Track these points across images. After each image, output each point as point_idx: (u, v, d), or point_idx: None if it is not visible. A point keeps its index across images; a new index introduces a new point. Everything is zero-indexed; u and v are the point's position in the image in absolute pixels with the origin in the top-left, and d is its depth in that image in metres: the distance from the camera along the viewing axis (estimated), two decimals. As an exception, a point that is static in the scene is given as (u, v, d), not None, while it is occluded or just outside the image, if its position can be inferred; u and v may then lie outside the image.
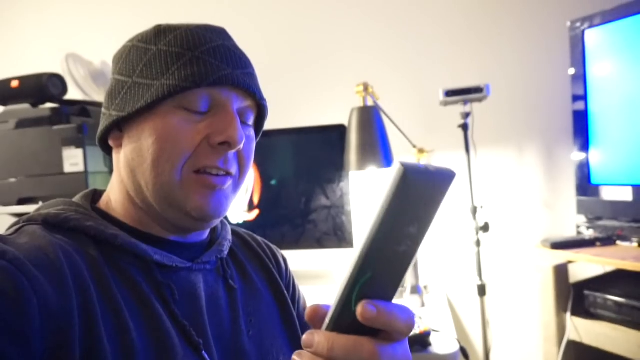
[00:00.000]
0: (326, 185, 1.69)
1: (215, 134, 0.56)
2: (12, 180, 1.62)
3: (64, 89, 1.65)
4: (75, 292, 0.47)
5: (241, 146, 0.57)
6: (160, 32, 0.59)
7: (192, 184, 0.56)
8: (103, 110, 0.61)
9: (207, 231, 0.65)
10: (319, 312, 0.40)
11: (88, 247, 0.53)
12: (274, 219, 1.73)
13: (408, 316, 0.38)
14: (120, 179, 0.60)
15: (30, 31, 2.16)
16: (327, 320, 0.39)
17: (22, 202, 1.60)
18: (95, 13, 2.05)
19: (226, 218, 0.72)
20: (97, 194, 0.64)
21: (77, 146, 1.54)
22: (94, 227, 0.54)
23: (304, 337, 0.39)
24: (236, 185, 0.61)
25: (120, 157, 0.60)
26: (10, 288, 0.43)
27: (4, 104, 1.64)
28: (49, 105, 1.65)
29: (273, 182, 1.74)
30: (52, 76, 1.62)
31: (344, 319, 0.38)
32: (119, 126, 0.59)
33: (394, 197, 0.33)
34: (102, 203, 0.62)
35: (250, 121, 0.63)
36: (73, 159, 1.55)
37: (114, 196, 0.61)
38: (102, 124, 0.60)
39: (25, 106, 1.63)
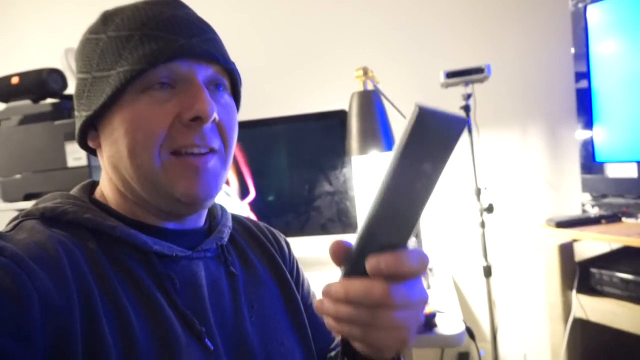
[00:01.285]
0: (329, 171, 1.69)
1: (184, 111, 0.53)
2: (18, 176, 1.64)
3: (64, 83, 1.65)
4: (76, 287, 0.47)
5: (215, 117, 0.54)
6: (107, 18, 0.56)
7: (174, 168, 0.53)
8: (75, 112, 0.59)
9: (205, 217, 0.64)
10: (340, 247, 0.43)
11: (87, 240, 0.52)
12: (278, 206, 1.74)
13: (419, 258, 0.41)
14: (108, 177, 0.59)
15: (29, 27, 2.15)
16: (343, 268, 0.43)
17: (28, 197, 1.61)
18: (94, 7, 2.04)
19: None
20: (95, 185, 0.63)
21: (80, 140, 1.54)
22: (92, 219, 0.53)
23: (324, 287, 0.43)
24: (223, 161, 0.58)
25: (103, 156, 0.58)
26: (10, 284, 0.42)
27: (5, 100, 1.65)
28: (49, 100, 1.65)
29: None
30: (52, 71, 1.62)
31: (359, 265, 0.41)
32: (94, 125, 0.57)
33: (411, 134, 0.36)
34: (99, 194, 0.61)
35: (225, 88, 0.59)
36: (76, 154, 1.56)
37: (106, 191, 0.60)
38: (76, 126, 0.58)
39: (27, 102, 1.63)
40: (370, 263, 0.40)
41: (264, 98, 1.86)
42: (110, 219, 0.54)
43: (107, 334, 0.46)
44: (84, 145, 0.60)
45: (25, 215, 0.54)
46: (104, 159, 0.58)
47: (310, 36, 1.88)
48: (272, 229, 0.76)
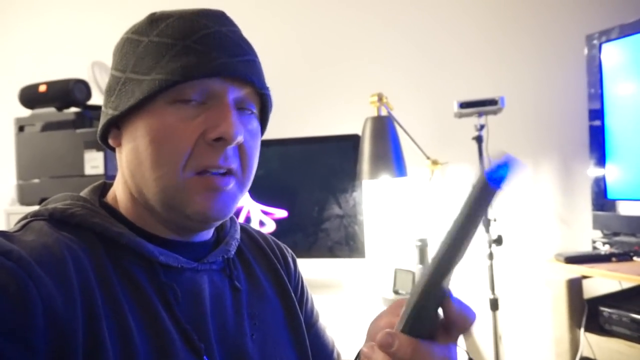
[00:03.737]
0: (339, 194, 1.70)
1: (210, 130, 0.52)
2: (36, 180, 1.68)
3: (88, 94, 1.72)
4: (80, 294, 0.47)
5: (240, 140, 0.54)
6: (153, 21, 0.55)
7: (194, 186, 0.53)
8: (102, 108, 0.58)
9: (213, 230, 0.64)
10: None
11: (93, 245, 0.52)
12: (286, 226, 1.75)
13: (474, 315, 0.44)
14: (124, 179, 0.58)
15: (58, 39, 2.24)
16: (402, 322, 0.43)
17: (43, 202, 1.66)
18: (120, 23, 2.12)
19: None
20: (106, 187, 0.63)
21: (99, 149, 1.59)
22: (99, 224, 0.53)
23: (381, 337, 0.42)
24: (241, 184, 0.57)
25: (122, 156, 0.57)
26: (15, 290, 0.42)
27: (32, 107, 1.71)
28: (73, 109, 1.71)
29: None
30: (78, 82, 1.69)
31: (421, 321, 0.43)
32: (117, 124, 0.56)
33: (474, 201, 0.39)
34: (110, 198, 0.60)
35: (253, 110, 0.58)
36: (94, 162, 1.60)
37: (119, 194, 0.59)
38: (100, 122, 0.58)
39: (51, 110, 1.69)
40: (447, 308, 0.43)
41: (279, 118, 1.89)
42: (118, 225, 0.54)
43: (108, 344, 0.46)
44: (104, 141, 0.60)
45: (34, 215, 0.54)
46: (122, 160, 0.57)
47: (327, 60, 1.93)
48: (279, 243, 0.76)
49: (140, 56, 0.54)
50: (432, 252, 0.42)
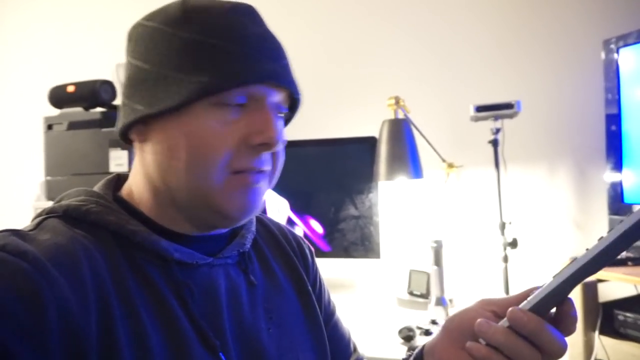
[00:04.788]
0: (355, 195, 1.73)
1: (253, 135, 0.52)
2: (63, 177, 1.74)
3: (113, 94, 1.78)
4: (94, 295, 0.47)
5: (279, 145, 0.55)
6: (187, 14, 0.53)
7: (231, 184, 0.53)
8: (123, 99, 0.56)
9: None
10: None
11: (108, 243, 0.51)
12: (303, 222, 1.78)
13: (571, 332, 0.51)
14: (146, 175, 0.56)
15: (83, 40, 2.31)
16: (531, 303, 0.50)
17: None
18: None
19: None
20: (120, 180, 0.61)
21: (123, 148, 1.64)
22: (114, 222, 0.52)
23: (513, 313, 0.49)
24: (270, 181, 0.58)
25: (146, 153, 0.56)
26: (29, 292, 0.42)
27: (60, 107, 1.78)
28: (99, 109, 1.77)
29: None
30: (104, 83, 1.75)
31: (546, 307, 0.50)
32: (143, 120, 0.54)
33: (633, 227, 0.46)
34: (125, 192, 0.59)
35: (283, 113, 0.59)
36: (118, 160, 1.66)
37: (137, 189, 0.58)
38: (125, 116, 0.55)
39: (78, 109, 1.76)
40: (567, 306, 0.50)
41: (298, 120, 1.93)
42: (133, 222, 0.53)
43: (122, 344, 0.46)
44: (124, 135, 0.58)
45: (49, 212, 0.53)
46: (146, 156, 0.56)
47: (345, 64, 1.96)
48: (296, 234, 0.75)
49: (178, 52, 0.52)
50: (584, 252, 0.49)
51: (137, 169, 0.58)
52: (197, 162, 0.52)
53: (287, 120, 0.63)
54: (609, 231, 0.47)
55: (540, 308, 0.49)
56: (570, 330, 0.50)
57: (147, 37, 0.54)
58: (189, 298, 0.53)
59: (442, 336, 0.58)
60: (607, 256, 0.47)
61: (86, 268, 0.47)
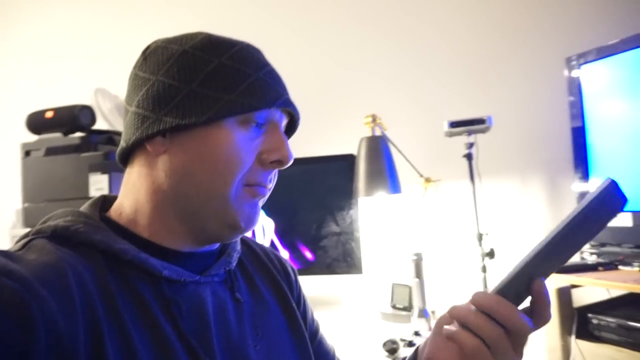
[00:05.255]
0: (336, 212, 1.76)
1: (270, 153, 0.59)
2: (39, 204, 1.72)
3: (93, 119, 1.78)
4: (82, 313, 0.47)
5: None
6: (216, 44, 0.59)
7: (244, 196, 0.58)
8: (143, 112, 0.57)
9: None
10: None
11: (96, 262, 0.52)
12: (285, 244, 1.79)
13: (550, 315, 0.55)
14: (154, 187, 0.58)
15: (61, 66, 2.31)
16: (497, 287, 0.54)
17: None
18: (122, 51, 2.20)
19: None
20: (106, 201, 0.62)
21: (103, 172, 1.64)
22: (103, 241, 0.53)
23: (482, 298, 0.54)
24: (265, 199, 0.63)
25: (161, 164, 0.57)
26: (17, 310, 0.42)
27: (38, 132, 1.77)
28: (78, 134, 1.77)
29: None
30: (84, 108, 1.75)
31: (511, 287, 0.52)
32: (170, 131, 0.57)
33: (597, 199, 0.48)
34: (113, 212, 0.60)
35: None
36: (98, 184, 1.65)
37: (132, 207, 0.59)
38: (147, 127, 0.56)
39: (57, 135, 1.75)
40: (541, 282, 0.53)
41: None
42: (121, 241, 0.54)
43: None
44: (134, 146, 0.59)
45: (35, 233, 0.54)
46: (161, 167, 0.57)
47: (322, 82, 2.01)
48: (279, 256, 0.78)
49: (212, 74, 0.57)
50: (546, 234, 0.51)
51: (134, 186, 0.59)
52: (220, 172, 0.56)
53: None
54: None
55: (505, 290, 0.53)
56: (543, 312, 0.54)
57: (174, 58, 0.58)
58: (178, 315, 0.54)
59: (432, 332, 0.63)
60: (573, 235, 0.49)
61: (74, 286, 0.47)
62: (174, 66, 0.58)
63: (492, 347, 0.53)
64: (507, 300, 0.53)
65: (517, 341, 0.53)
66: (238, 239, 0.69)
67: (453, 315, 0.56)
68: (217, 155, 0.56)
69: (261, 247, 0.76)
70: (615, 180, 0.48)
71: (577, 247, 0.51)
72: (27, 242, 0.52)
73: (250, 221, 0.60)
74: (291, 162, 0.61)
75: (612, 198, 0.49)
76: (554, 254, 0.51)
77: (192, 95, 0.56)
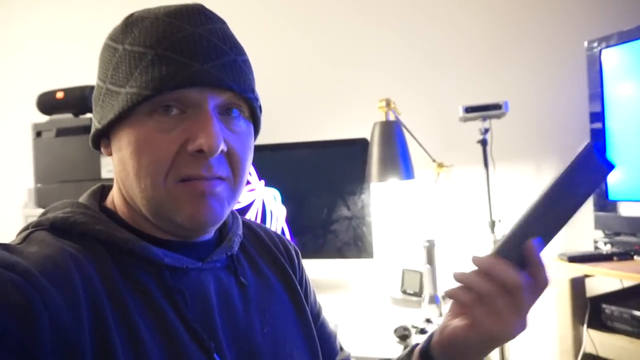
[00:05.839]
0: (348, 196, 1.75)
1: (190, 141, 0.51)
2: (54, 184, 1.73)
3: (103, 100, 1.77)
4: (87, 304, 0.46)
5: (223, 149, 0.53)
6: (128, 26, 0.54)
7: (180, 193, 0.52)
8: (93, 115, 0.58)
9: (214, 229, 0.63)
10: None
11: (98, 253, 0.51)
12: (296, 228, 1.79)
13: (547, 274, 0.56)
14: (118, 187, 0.58)
15: (72, 45, 2.29)
16: (495, 248, 0.56)
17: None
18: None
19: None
20: (105, 190, 0.61)
21: (115, 154, 1.63)
22: (103, 231, 0.52)
23: (482, 260, 0.56)
24: (232, 189, 0.56)
25: (114, 165, 0.57)
26: (21, 303, 0.42)
27: (49, 113, 1.76)
28: (89, 115, 1.76)
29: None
30: (94, 88, 1.74)
31: (509, 247, 0.55)
32: (107, 134, 0.56)
33: (579, 160, 0.51)
34: (109, 202, 0.59)
35: (242, 113, 0.56)
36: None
37: (116, 199, 0.58)
38: (91, 130, 0.58)
39: (68, 115, 1.74)
40: (534, 242, 0.54)
41: (289, 122, 1.95)
42: (122, 231, 0.54)
43: (118, 351, 0.46)
44: (97, 148, 0.59)
45: (35, 226, 0.53)
46: (114, 168, 0.57)
47: (336, 67, 1.98)
48: (282, 237, 0.76)
49: (116, 66, 0.53)
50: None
51: (115, 181, 0.59)
52: (141, 170, 0.52)
53: (257, 120, 0.61)
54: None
55: (502, 251, 0.55)
56: (537, 274, 0.55)
57: (101, 54, 0.56)
58: (182, 302, 0.54)
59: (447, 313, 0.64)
60: (559, 199, 0.52)
61: (77, 278, 0.47)
62: (99, 63, 0.56)
63: (489, 303, 0.55)
64: (504, 259, 0.55)
65: (517, 301, 0.54)
66: (239, 222, 0.67)
67: (455, 277, 0.58)
68: (134, 155, 0.52)
69: (263, 228, 0.75)
70: (596, 145, 0.52)
71: (570, 210, 0.53)
72: (27, 235, 0.52)
73: (199, 220, 0.53)
74: (218, 149, 0.51)
75: (592, 161, 0.51)
76: (546, 216, 0.53)
77: (108, 94, 0.54)
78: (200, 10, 0.54)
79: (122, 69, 0.52)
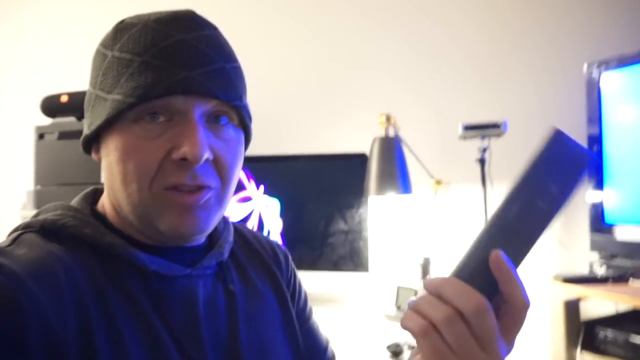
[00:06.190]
0: (345, 210, 1.75)
1: (174, 149, 0.51)
2: (51, 187, 1.74)
3: (107, 105, 1.78)
4: (73, 307, 0.46)
5: (208, 157, 0.52)
6: (118, 32, 0.54)
7: (163, 201, 0.52)
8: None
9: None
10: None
11: (86, 256, 0.51)
12: (292, 240, 1.79)
13: (526, 293, 0.44)
14: (107, 193, 0.58)
15: (77, 50, 2.32)
16: (454, 269, 0.45)
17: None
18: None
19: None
20: (97, 194, 0.61)
21: (115, 159, 1.64)
22: (91, 235, 0.52)
23: (426, 281, 0.46)
24: (220, 197, 0.55)
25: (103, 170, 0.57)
26: (7, 305, 0.42)
27: (53, 116, 1.78)
28: (92, 119, 1.78)
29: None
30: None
31: (466, 268, 0.44)
32: (96, 139, 0.56)
33: (543, 151, 0.41)
34: (100, 206, 0.59)
35: (231, 120, 0.56)
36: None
37: (107, 204, 0.58)
38: (82, 135, 0.57)
39: (71, 119, 1.76)
40: (498, 253, 0.43)
41: (290, 134, 1.97)
42: (110, 235, 0.53)
43: (102, 355, 0.47)
44: (89, 152, 0.59)
45: (25, 227, 0.53)
46: (104, 174, 0.57)
47: (337, 80, 2.00)
48: (271, 241, 0.75)
49: (105, 72, 0.53)
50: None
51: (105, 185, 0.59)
52: (127, 176, 0.52)
53: (248, 128, 0.60)
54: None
55: (460, 270, 0.44)
56: (510, 290, 0.44)
57: (92, 60, 0.57)
58: (167, 310, 0.53)
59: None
60: (526, 201, 0.40)
61: (64, 280, 0.47)
62: (91, 68, 0.57)
63: (442, 331, 0.43)
64: (460, 279, 0.44)
65: (478, 331, 0.42)
66: (230, 229, 0.67)
67: (409, 306, 0.48)
68: (120, 161, 0.52)
69: (253, 234, 0.74)
70: (561, 130, 0.41)
71: (545, 216, 0.41)
72: (16, 237, 0.52)
73: (183, 230, 0.53)
74: (202, 157, 0.51)
75: (564, 149, 0.41)
76: (511, 224, 0.41)
77: (96, 99, 0.54)
78: (191, 17, 0.54)
79: (110, 75, 0.52)
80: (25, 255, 0.48)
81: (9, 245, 0.50)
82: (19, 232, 0.53)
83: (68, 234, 0.52)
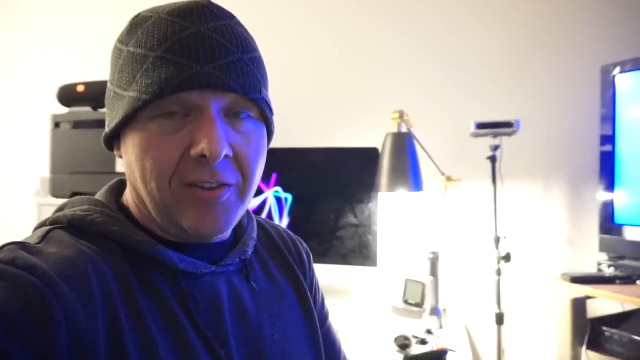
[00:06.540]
0: (356, 204, 1.77)
1: (192, 146, 0.50)
2: (66, 176, 1.77)
3: (122, 95, 1.80)
4: (103, 309, 0.47)
5: (228, 154, 0.51)
6: (133, 27, 0.53)
7: (184, 198, 0.51)
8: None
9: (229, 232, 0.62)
10: None
11: (114, 255, 0.51)
12: (303, 232, 1.81)
13: None
14: (130, 189, 0.57)
15: (95, 40, 2.33)
16: None
17: (74, 196, 1.74)
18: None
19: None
20: (123, 185, 0.61)
21: (130, 149, 1.67)
22: (120, 232, 0.52)
23: None
24: (242, 194, 0.54)
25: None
26: (39, 308, 0.42)
27: (69, 105, 1.80)
28: (107, 109, 1.80)
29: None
30: (114, 84, 1.77)
31: None
32: (118, 136, 0.55)
33: None
34: (125, 200, 0.59)
35: (251, 115, 0.54)
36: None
37: (130, 201, 0.58)
38: (104, 131, 0.57)
39: (87, 109, 1.78)
40: None
41: (303, 127, 1.98)
42: (138, 233, 0.53)
43: (132, 355, 0.47)
44: (111, 149, 0.59)
45: (53, 222, 0.53)
46: (125, 171, 0.56)
47: (353, 76, 2.00)
48: (294, 238, 0.75)
49: (121, 69, 0.52)
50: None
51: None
52: (146, 174, 0.51)
53: (269, 121, 0.58)
54: None
55: None
56: None
57: (111, 56, 0.56)
58: (194, 308, 0.53)
59: None
60: None
61: (94, 281, 0.47)
62: (110, 65, 0.56)
63: None
64: None
65: None
66: (254, 225, 0.66)
67: None
68: (139, 159, 0.51)
69: (276, 229, 0.73)
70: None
71: None
72: (46, 233, 0.52)
73: (203, 227, 0.52)
74: (220, 154, 0.49)
75: None
76: None
77: (114, 96, 0.53)
78: (206, 7, 0.52)
79: (126, 72, 0.51)
80: (56, 255, 0.48)
81: (39, 242, 0.50)
82: (47, 228, 0.53)
83: (96, 231, 0.52)
